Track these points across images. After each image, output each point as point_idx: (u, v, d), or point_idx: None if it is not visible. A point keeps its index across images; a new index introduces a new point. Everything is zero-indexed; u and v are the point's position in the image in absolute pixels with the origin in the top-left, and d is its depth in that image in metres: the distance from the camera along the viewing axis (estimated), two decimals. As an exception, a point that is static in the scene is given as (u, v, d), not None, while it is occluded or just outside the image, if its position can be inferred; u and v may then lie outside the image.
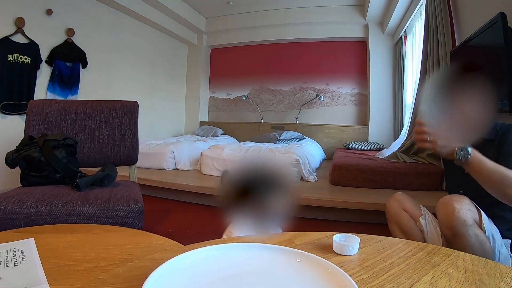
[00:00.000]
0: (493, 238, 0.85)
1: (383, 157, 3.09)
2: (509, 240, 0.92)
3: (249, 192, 0.76)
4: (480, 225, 0.85)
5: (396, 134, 4.17)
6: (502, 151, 0.96)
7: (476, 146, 1.03)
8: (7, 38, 2.73)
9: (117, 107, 1.62)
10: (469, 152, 0.85)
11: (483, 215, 0.87)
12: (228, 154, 3.09)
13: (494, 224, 0.89)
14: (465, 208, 0.84)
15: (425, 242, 0.82)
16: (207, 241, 0.52)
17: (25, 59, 2.86)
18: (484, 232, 0.84)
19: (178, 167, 3.40)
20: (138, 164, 1.65)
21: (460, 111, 0.89)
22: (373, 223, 2.21)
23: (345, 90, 4.89)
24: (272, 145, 3.63)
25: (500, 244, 0.86)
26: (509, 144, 0.96)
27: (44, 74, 3.11)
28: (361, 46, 4.78)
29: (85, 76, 3.51)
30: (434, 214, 1.06)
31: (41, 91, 3.09)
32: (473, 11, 2.12)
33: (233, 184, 0.80)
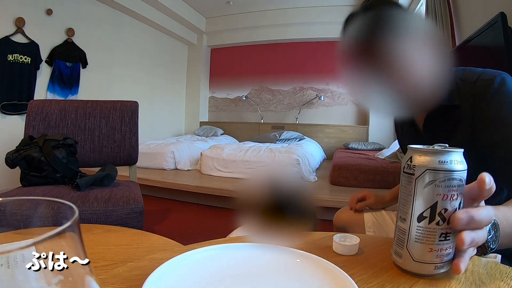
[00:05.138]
0: None
1: (383, 157, 3.09)
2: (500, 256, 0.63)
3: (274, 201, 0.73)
4: None
5: (396, 135, 4.17)
6: (483, 120, 0.61)
7: (429, 121, 0.70)
8: (7, 38, 2.73)
9: (117, 107, 1.62)
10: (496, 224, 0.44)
11: None
12: (228, 154, 3.09)
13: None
14: None
15: None
16: (207, 241, 0.52)
17: (25, 59, 2.86)
18: None
19: (178, 167, 3.40)
20: (138, 164, 1.65)
21: (398, 73, 0.59)
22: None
23: (345, 90, 4.88)
24: (272, 145, 3.63)
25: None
26: (497, 108, 0.59)
27: (44, 74, 3.11)
28: (361, 46, 4.78)
29: (85, 76, 3.51)
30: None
31: (41, 91, 3.09)
32: (473, 11, 2.12)
33: (272, 194, 0.76)
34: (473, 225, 0.37)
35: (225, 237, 0.74)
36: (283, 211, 0.64)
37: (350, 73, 0.63)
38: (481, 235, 0.38)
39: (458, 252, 0.40)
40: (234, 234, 0.92)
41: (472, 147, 0.61)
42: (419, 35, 0.59)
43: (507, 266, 0.44)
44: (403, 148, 1.00)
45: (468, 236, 0.37)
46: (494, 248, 0.44)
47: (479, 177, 0.37)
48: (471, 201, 0.40)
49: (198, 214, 2.58)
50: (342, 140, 4.66)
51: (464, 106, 0.63)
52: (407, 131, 0.83)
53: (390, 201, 0.99)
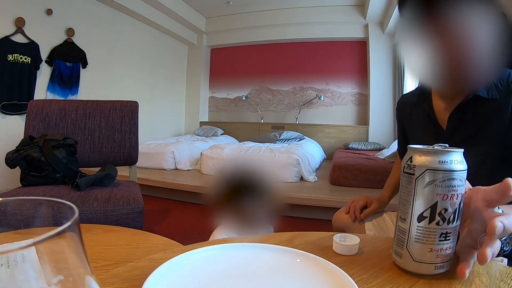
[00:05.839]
0: None
1: (383, 157, 3.09)
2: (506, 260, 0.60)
3: (240, 191, 0.73)
4: None
5: (396, 134, 4.18)
6: None
7: (460, 111, 0.67)
8: (7, 38, 2.73)
9: (117, 107, 1.62)
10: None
11: None
12: (228, 154, 3.09)
13: None
14: None
15: None
16: (207, 241, 0.52)
17: (25, 59, 2.86)
18: None
19: (178, 167, 3.40)
20: (138, 164, 1.66)
21: (443, 43, 0.58)
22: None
23: (345, 90, 4.89)
24: (272, 145, 3.63)
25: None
26: None
27: (44, 74, 3.11)
28: (361, 46, 4.78)
29: (85, 76, 3.51)
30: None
31: (41, 91, 3.09)
32: (473, 11, 2.12)
33: (228, 182, 0.77)
34: (504, 233, 0.36)
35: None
36: (243, 205, 0.65)
37: (411, 30, 0.61)
38: (497, 248, 0.37)
39: (464, 255, 0.39)
40: (212, 236, 0.91)
41: (500, 143, 0.62)
42: (491, 11, 0.57)
43: (507, 266, 0.44)
44: (403, 147, 1.00)
45: (489, 252, 0.35)
46: (507, 251, 0.42)
47: (504, 181, 0.36)
48: (486, 203, 0.38)
49: (198, 214, 2.58)
50: (342, 140, 4.66)
51: (502, 102, 0.63)
52: (424, 123, 0.78)
53: (389, 199, 0.99)
